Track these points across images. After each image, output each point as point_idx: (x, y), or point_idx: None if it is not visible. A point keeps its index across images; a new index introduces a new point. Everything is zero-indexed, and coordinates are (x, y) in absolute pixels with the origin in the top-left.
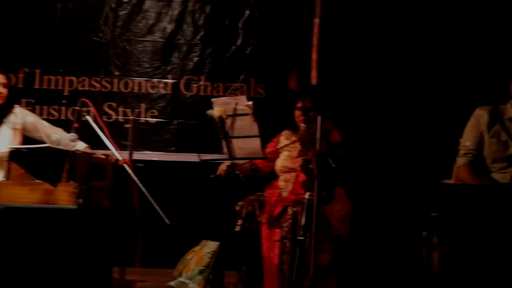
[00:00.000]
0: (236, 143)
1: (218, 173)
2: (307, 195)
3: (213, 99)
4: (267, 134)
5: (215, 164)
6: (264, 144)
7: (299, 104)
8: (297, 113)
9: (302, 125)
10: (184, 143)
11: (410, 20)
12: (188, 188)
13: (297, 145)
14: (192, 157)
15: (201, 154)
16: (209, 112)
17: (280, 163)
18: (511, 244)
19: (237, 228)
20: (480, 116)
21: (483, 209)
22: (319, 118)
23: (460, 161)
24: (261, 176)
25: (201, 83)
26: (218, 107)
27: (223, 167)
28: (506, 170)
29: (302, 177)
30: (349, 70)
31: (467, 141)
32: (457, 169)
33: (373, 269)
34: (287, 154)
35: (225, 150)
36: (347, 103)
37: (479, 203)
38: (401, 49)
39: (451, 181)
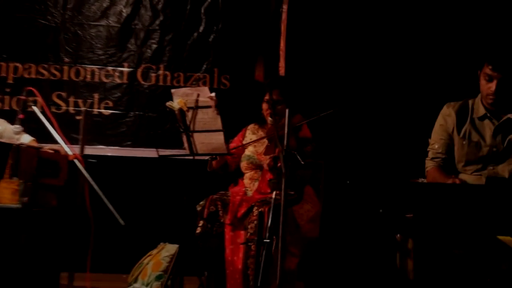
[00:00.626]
0: (197, 137)
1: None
2: (274, 195)
3: (173, 90)
4: (231, 129)
5: (175, 161)
6: (228, 139)
7: (267, 97)
8: (265, 106)
9: (270, 119)
10: (141, 137)
11: (384, 5)
12: (145, 186)
13: (264, 141)
14: (150, 153)
15: (160, 150)
16: (168, 104)
17: (246, 159)
18: (487, 246)
19: (198, 230)
20: (447, 115)
21: (459, 210)
22: (287, 112)
23: (429, 164)
24: (229, 172)
25: (160, 72)
26: (179, 99)
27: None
28: (481, 172)
29: (269, 175)
30: (319, 60)
31: (435, 143)
32: (426, 173)
33: (344, 274)
34: (253, 150)
35: (185, 145)
36: (317, 96)
37: (455, 204)
38: (376, 38)
39: (426, 180)
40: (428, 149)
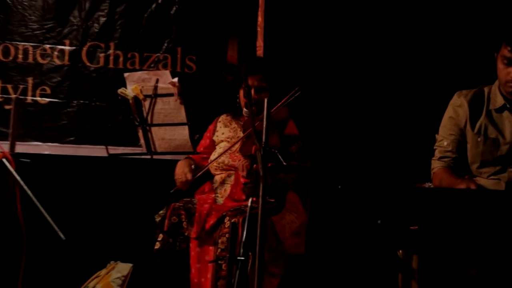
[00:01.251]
0: (157, 132)
1: (177, 187)
2: (249, 202)
3: (126, 74)
4: (198, 121)
5: (128, 161)
6: (194, 134)
7: (248, 82)
8: (242, 93)
9: (245, 110)
10: (86, 132)
11: None
12: (92, 192)
13: (239, 135)
14: (98, 151)
15: (110, 147)
16: (121, 91)
17: (216, 158)
18: (508, 266)
19: (157, 246)
20: (459, 105)
21: (474, 221)
22: (266, 102)
23: (436, 165)
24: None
25: (110, 52)
26: (133, 85)
27: (186, 176)
28: (500, 176)
29: (244, 178)
30: (305, 39)
31: (443, 139)
32: (433, 175)
33: None
34: (225, 147)
35: (142, 141)
36: (303, 83)
37: (469, 213)
38: (372, 13)
39: (433, 185)
40: (435, 147)
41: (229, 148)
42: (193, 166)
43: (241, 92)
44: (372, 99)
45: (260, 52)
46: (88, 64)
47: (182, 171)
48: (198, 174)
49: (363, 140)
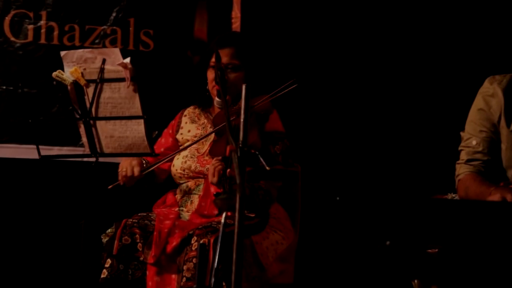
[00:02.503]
0: (103, 128)
1: (118, 182)
2: (223, 218)
3: (63, 53)
4: (158, 114)
5: (66, 164)
6: (152, 130)
7: (213, 61)
8: (210, 75)
9: (217, 100)
10: (11, 126)
11: None
12: (18, 205)
13: (209, 133)
14: (26, 152)
15: (43, 147)
16: (56, 74)
17: (180, 163)
18: None
19: (104, 274)
20: (491, 95)
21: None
22: (244, 88)
23: (462, 170)
24: (156, 183)
25: (41, 23)
26: (73, 67)
27: (133, 170)
28: None
29: (215, 187)
30: (296, 8)
31: (471, 138)
32: (458, 183)
33: None
34: (192, 148)
35: (84, 140)
36: (291, 67)
37: (505, 233)
38: None
39: (459, 196)
40: (460, 148)
41: (192, 144)
42: (144, 165)
43: (209, 75)
44: (377, 88)
45: (236, 25)
46: (12, 39)
47: (129, 163)
48: (149, 169)
49: (366, 139)
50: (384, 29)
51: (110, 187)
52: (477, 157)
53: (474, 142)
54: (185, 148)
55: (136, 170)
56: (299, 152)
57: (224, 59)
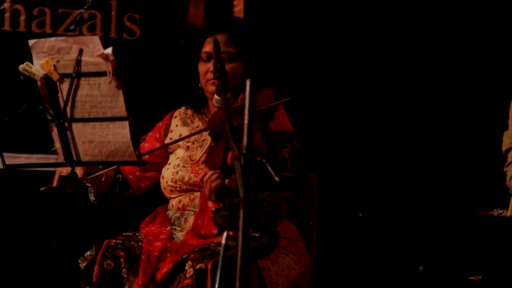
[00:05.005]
0: (81, 132)
1: (52, 184)
2: (223, 239)
3: (31, 42)
4: (145, 115)
5: (36, 175)
6: (139, 134)
7: (206, 48)
8: (203, 68)
9: (216, 98)
10: None
11: None
12: None
13: (205, 137)
14: None
15: (7, 154)
16: (23, 67)
17: (170, 174)
18: None
19: None
20: None
21: None
22: (248, 83)
23: None
24: (130, 197)
25: (5, 6)
26: (43, 58)
27: (61, 171)
28: None
29: (213, 203)
30: None
31: None
32: None
33: None
34: (184, 155)
35: (57, 145)
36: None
37: None
38: None
39: (510, 211)
40: (506, 147)
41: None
42: (119, 177)
43: (201, 69)
44: (410, 86)
45: (239, 8)
46: None
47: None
48: (96, 174)
49: (392, 144)
50: (411, 21)
51: (42, 189)
52: None
53: None
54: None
55: (79, 172)
56: (312, 157)
57: (222, 48)
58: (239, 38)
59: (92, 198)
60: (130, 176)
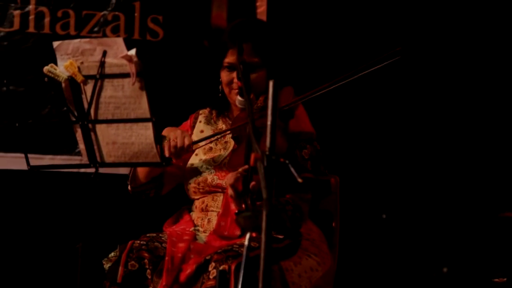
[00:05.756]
0: (105, 133)
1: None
2: (246, 240)
3: (56, 43)
4: (169, 116)
5: (60, 176)
6: (162, 136)
7: (230, 59)
8: (225, 75)
9: (238, 99)
10: None
11: None
12: (5, 224)
13: (227, 139)
14: (13, 161)
15: (32, 156)
16: (48, 69)
17: (194, 175)
18: None
19: None
20: None
21: None
22: (271, 84)
23: None
24: (153, 198)
25: (30, 8)
26: (67, 60)
27: (182, 140)
28: None
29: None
30: None
31: None
32: None
33: None
34: (207, 158)
35: (81, 147)
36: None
37: None
38: None
39: None
40: None
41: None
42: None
43: (224, 77)
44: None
45: (262, 9)
46: None
47: (179, 133)
48: (202, 142)
49: (416, 143)
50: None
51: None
52: None
53: None
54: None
55: (187, 140)
56: (335, 158)
57: (246, 57)
58: (262, 47)
59: (137, 184)
60: (168, 169)
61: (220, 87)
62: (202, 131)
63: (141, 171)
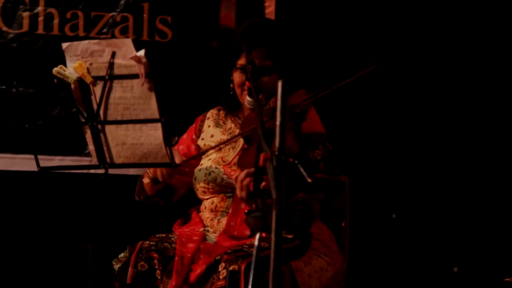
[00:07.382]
0: (114, 134)
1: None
2: (256, 240)
3: (65, 44)
4: (178, 116)
5: (70, 177)
6: (172, 135)
7: (243, 61)
8: (238, 77)
9: (248, 99)
10: (4, 132)
11: None
12: (14, 226)
13: (237, 140)
14: (23, 162)
15: (42, 157)
16: (57, 70)
17: (203, 175)
18: None
19: None
20: None
21: None
22: (280, 84)
23: None
24: (173, 201)
25: (39, 9)
26: (77, 61)
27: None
28: None
29: (246, 204)
30: None
31: None
32: None
33: None
34: (216, 157)
35: (91, 148)
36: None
37: None
38: None
39: None
40: None
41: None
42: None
43: (236, 78)
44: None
45: (270, 9)
46: (4, 28)
47: (159, 172)
48: (192, 157)
49: (426, 146)
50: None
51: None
52: None
53: None
54: (207, 151)
55: (177, 159)
56: (345, 158)
57: (257, 60)
58: (275, 51)
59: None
60: (173, 181)
61: (231, 86)
62: (212, 136)
63: (146, 185)
